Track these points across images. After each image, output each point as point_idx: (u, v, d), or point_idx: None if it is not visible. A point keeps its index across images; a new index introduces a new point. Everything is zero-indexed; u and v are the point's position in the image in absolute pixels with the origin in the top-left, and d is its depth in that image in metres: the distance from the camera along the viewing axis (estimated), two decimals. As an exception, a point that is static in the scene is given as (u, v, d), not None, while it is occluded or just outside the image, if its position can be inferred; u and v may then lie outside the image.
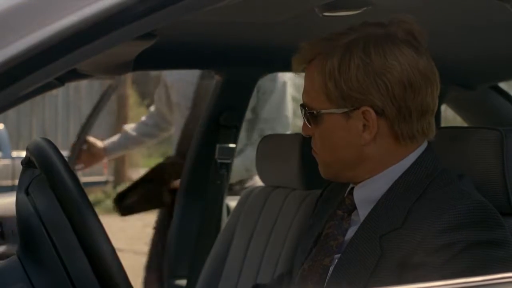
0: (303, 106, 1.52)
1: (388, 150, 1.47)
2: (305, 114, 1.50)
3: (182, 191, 2.91)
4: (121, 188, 16.30)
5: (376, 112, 1.43)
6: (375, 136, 1.45)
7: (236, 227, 2.40)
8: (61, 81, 2.36)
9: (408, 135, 1.46)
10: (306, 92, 1.52)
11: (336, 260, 1.48)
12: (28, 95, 2.16)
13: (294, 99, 3.35)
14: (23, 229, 1.33)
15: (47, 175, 1.31)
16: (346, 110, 1.44)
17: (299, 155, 2.18)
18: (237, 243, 2.37)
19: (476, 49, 2.44)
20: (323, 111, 1.47)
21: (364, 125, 1.44)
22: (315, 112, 1.48)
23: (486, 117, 3.12)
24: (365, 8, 1.81)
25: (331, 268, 1.48)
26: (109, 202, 12.65)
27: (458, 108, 3.26)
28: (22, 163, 1.44)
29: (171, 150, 3.35)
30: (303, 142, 2.16)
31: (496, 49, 2.40)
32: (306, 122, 1.51)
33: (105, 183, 13.87)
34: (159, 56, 2.40)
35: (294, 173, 2.22)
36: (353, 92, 1.43)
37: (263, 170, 2.40)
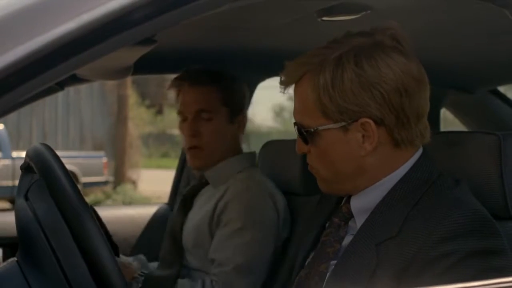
0: (297, 125, 1.50)
1: (388, 157, 1.46)
2: (300, 133, 1.49)
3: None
4: (121, 188, 16.10)
5: (375, 122, 1.42)
6: (375, 146, 1.44)
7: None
8: (60, 85, 2.36)
9: (408, 140, 1.46)
10: (299, 111, 1.50)
11: (333, 266, 1.47)
12: (27, 100, 2.16)
13: (292, 99, 3.34)
14: (22, 234, 1.33)
15: (46, 180, 1.31)
16: (344, 124, 1.43)
17: (300, 161, 2.18)
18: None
19: (475, 54, 2.44)
20: (320, 127, 1.46)
21: (363, 136, 1.44)
22: (312, 129, 1.47)
23: (485, 121, 3.12)
24: (364, 13, 1.81)
25: (328, 275, 1.47)
26: (109, 203, 12.64)
27: (457, 112, 3.26)
28: (21, 168, 1.44)
29: (171, 151, 3.32)
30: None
31: (495, 54, 2.40)
32: (302, 141, 1.50)
33: (105, 183, 13.87)
34: (159, 61, 2.40)
35: (296, 179, 2.22)
36: (350, 105, 1.42)
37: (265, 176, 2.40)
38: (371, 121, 1.42)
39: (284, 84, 1.51)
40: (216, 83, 2.25)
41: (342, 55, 1.42)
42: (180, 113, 2.28)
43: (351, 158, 1.45)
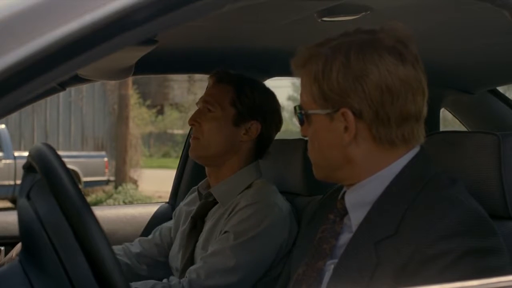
0: (296, 107, 1.57)
1: (371, 153, 1.49)
2: (296, 114, 1.57)
3: (182, 195, 2.91)
4: (122, 187, 16.09)
5: (354, 114, 1.47)
6: (356, 138, 1.48)
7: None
8: (62, 85, 2.37)
9: (387, 140, 1.48)
10: (300, 94, 1.58)
11: (332, 264, 1.49)
12: (29, 100, 2.17)
13: (292, 99, 3.34)
14: (25, 234, 1.34)
15: (48, 180, 1.32)
16: (328, 111, 1.49)
17: (302, 161, 2.19)
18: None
19: (474, 54, 2.44)
20: (310, 111, 1.53)
21: (346, 127, 1.48)
22: (303, 112, 1.54)
23: (484, 121, 3.12)
24: (363, 13, 1.82)
25: (327, 274, 1.48)
26: (111, 202, 12.65)
27: (456, 111, 3.27)
28: (23, 167, 1.45)
29: (172, 151, 3.32)
30: (306, 147, 2.16)
31: (494, 54, 2.40)
32: (299, 122, 1.58)
33: (106, 182, 13.88)
34: (160, 61, 2.41)
35: (297, 179, 2.22)
36: (333, 93, 1.47)
37: (266, 176, 2.40)
38: (349, 112, 1.46)
39: (293, 66, 1.57)
40: (233, 84, 2.24)
41: (336, 46, 1.48)
42: (197, 104, 2.30)
43: (335, 146, 1.50)
